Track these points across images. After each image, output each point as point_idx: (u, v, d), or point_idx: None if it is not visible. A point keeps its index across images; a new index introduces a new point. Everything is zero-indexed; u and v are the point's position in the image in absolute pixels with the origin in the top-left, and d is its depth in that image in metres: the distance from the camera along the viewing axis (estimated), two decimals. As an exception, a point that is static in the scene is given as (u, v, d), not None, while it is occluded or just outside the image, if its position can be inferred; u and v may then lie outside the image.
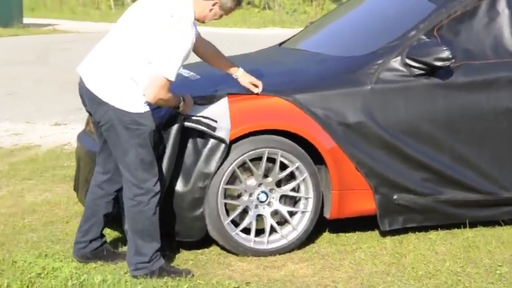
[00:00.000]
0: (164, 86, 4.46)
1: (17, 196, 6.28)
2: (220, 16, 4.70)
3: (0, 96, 10.86)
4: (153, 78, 4.44)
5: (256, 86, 5.04)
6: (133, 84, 4.49)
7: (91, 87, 4.51)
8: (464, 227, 5.35)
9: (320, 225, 5.25)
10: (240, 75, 5.03)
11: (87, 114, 4.88)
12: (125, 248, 4.85)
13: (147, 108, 4.52)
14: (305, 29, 6.78)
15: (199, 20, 4.67)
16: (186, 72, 5.59)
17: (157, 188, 4.57)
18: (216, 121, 4.85)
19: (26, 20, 22.64)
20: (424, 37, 5.32)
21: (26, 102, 10.41)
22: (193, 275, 4.64)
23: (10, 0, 21.73)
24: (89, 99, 4.56)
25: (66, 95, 10.41)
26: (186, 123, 4.82)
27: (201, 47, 4.94)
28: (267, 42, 6.55)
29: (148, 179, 4.53)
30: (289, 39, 6.58)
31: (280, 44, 6.52)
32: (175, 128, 4.78)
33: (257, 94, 5.04)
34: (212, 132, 4.83)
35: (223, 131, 4.84)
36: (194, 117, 4.85)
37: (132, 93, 4.49)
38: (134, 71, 4.48)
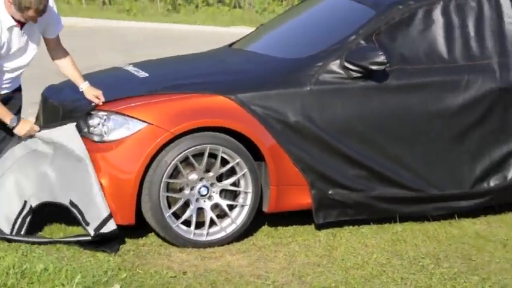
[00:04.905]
0: None
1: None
2: (28, 18, 4.92)
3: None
4: None
5: (99, 98, 5.27)
6: None
7: None
8: (395, 221, 5.65)
9: (259, 219, 5.52)
10: (85, 88, 5.32)
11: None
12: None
13: None
14: (255, 30, 7.03)
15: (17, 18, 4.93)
16: (134, 70, 5.86)
17: None
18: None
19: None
20: (363, 42, 5.60)
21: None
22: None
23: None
24: None
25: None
26: None
27: (55, 54, 5.33)
28: (231, 40, 6.81)
29: None
30: (239, 40, 6.83)
31: (230, 45, 6.77)
32: None
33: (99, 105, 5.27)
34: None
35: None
36: None
37: None
38: None
